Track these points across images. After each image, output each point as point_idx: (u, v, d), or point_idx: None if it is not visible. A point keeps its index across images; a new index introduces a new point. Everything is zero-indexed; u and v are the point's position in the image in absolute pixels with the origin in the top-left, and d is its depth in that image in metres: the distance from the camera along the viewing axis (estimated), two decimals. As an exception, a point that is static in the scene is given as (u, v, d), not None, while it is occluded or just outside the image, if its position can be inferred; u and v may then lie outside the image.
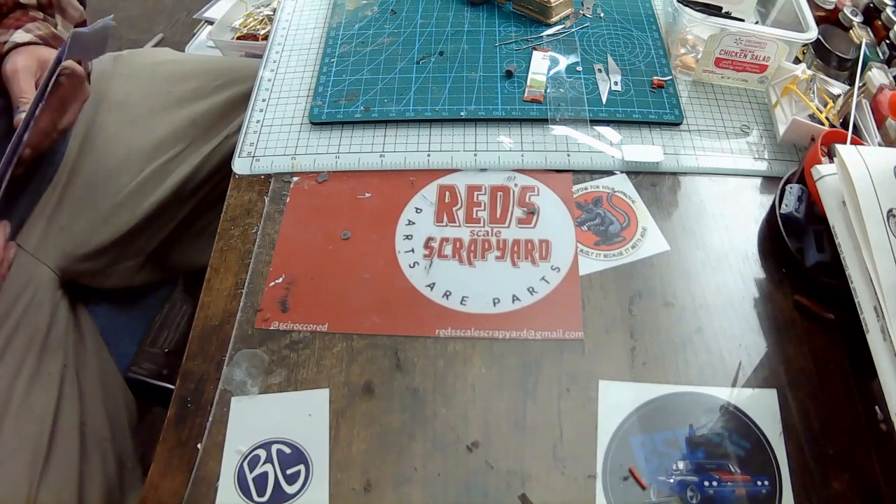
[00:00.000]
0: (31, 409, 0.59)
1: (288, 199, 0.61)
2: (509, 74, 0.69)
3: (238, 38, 1.21)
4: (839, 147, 0.48)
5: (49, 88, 0.61)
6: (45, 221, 0.66)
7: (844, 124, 0.59)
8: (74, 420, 0.62)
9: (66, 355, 0.64)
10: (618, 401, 0.48)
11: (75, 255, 0.67)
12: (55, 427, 0.60)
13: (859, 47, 0.66)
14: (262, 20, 1.23)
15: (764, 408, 0.47)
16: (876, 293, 0.44)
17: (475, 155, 0.63)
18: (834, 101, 0.62)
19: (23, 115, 0.61)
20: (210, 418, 0.48)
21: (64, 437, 0.61)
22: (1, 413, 0.58)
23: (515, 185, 0.61)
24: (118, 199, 0.70)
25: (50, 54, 0.67)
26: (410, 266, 0.55)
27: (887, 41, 0.67)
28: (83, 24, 0.76)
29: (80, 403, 0.64)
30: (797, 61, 0.69)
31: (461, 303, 0.53)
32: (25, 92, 0.65)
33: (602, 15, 0.76)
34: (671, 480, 0.44)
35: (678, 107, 0.66)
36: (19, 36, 0.66)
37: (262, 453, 0.46)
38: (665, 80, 0.68)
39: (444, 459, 0.46)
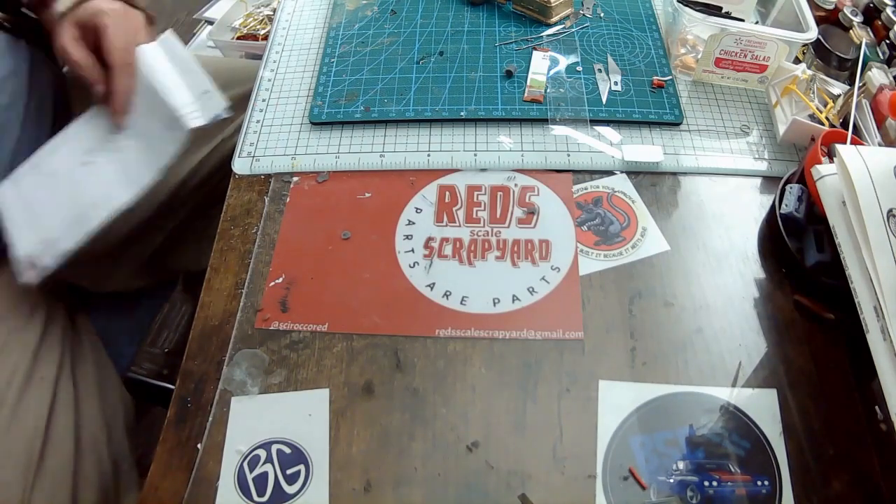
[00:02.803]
0: (25, 413, 0.59)
1: (288, 199, 0.61)
2: (509, 74, 0.69)
3: (238, 38, 1.21)
4: (839, 147, 0.48)
5: None
6: None
7: (844, 124, 0.59)
8: (69, 423, 0.62)
9: (62, 358, 0.64)
10: (618, 401, 0.48)
11: (72, 260, 0.67)
12: (49, 430, 0.60)
13: (859, 47, 0.66)
14: (262, 20, 1.24)
15: (764, 408, 0.47)
16: (876, 293, 0.44)
17: (475, 155, 0.63)
18: (834, 101, 0.62)
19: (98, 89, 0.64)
20: (210, 418, 0.48)
21: (58, 441, 0.61)
22: None
23: (515, 185, 0.61)
24: None
25: (93, 4, 0.67)
26: (410, 266, 0.55)
27: (887, 41, 0.67)
28: None
29: (76, 406, 0.64)
30: (797, 61, 0.69)
31: (461, 303, 0.53)
32: (79, 62, 0.66)
33: (602, 15, 0.76)
34: (671, 480, 0.44)
35: (678, 107, 0.66)
36: (60, 5, 0.66)
37: (262, 453, 0.46)
38: (665, 80, 0.68)
39: (444, 459, 0.46)
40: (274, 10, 1.21)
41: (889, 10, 0.68)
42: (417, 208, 0.59)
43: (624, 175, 0.61)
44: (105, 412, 0.68)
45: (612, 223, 0.58)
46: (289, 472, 0.45)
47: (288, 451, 0.46)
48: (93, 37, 0.66)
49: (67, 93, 0.74)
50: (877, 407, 0.47)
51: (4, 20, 0.70)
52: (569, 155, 0.62)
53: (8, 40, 0.69)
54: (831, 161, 0.52)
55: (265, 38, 1.18)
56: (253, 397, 0.49)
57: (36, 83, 0.71)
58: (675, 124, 0.65)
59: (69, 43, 0.67)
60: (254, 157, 0.64)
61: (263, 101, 0.70)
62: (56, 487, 0.60)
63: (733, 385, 0.49)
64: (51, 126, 0.70)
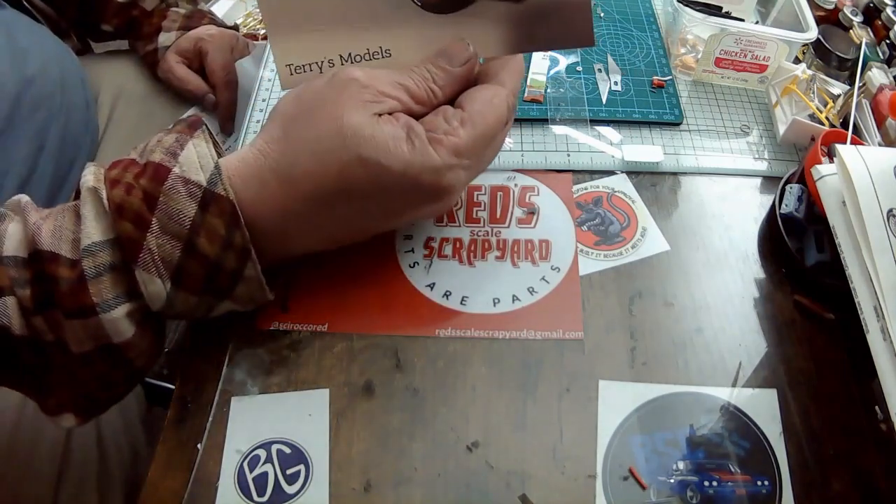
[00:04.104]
0: None
1: (288, 199, 0.61)
2: (509, 74, 0.68)
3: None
4: (839, 147, 0.48)
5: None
6: None
7: (844, 124, 0.59)
8: None
9: None
10: (618, 401, 0.48)
11: None
12: None
13: (859, 47, 0.66)
14: (261, 20, 1.24)
15: (764, 408, 0.47)
16: (876, 293, 0.44)
17: (475, 155, 0.63)
18: (834, 101, 0.62)
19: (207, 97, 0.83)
20: (210, 418, 0.48)
21: (81, 429, 0.62)
22: (19, 412, 0.59)
23: (515, 185, 0.61)
24: None
25: (193, 33, 0.85)
26: (410, 266, 0.55)
27: (887, 41, 0.67)
28: None
29: None
30: (797, 61, 0.69)
31: (461, 303, 0.53)
32: (185, 78, 0.82)
33: (602, 15, 0.76)
34: (671, 480, 0.44)
35: (678, 107, 0.66)
36: (164, 39, 0.78)
37: (262, 453, 0.46)
38: (665, 80, 0.68)
39: (444, 459, 0.46)
40: (274, 10, 1.21)
41: (889, 10, 0.68)
42: (417, 208, 0.59)
43: (624, 175, 0.61)
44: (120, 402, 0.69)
45: (612, 223, 0.58)
46: (289, 472, 0.45)
47: (288, 451, 0.46)
48: (197, 60, 0.78)
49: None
50: (877, 407, 0.47)
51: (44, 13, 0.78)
52: (569, 155, 0.62)
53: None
54: (831, 161, 0.52)
55: (265, 37, 1.18)
56: (253, 397, 0.49)
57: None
58: (675, 124, 0.65)
59: (175, 66, 0.84)
60: (254, 157, 0.64)
61: (263, 100, 0.69)
62: (83, 473, 0.61)
63: (733, 385, 0.49)
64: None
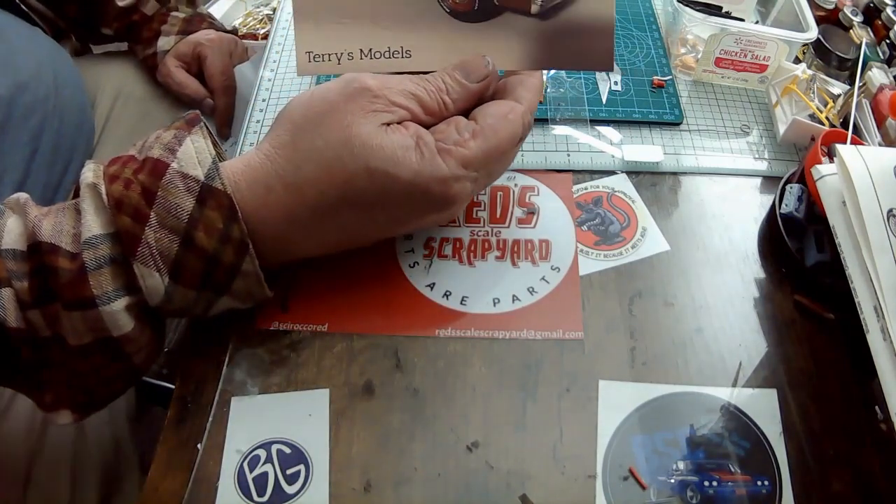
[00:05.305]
0: None
1: (288, 199, 0.61)
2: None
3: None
4: (839, 147, 0.48)
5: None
6: None
7: (844, 124, 0.59)
8: None
9: None
10: (618, 401, 0.48)
11: None
12: None
13: (859, 47, 0.66)
14: (261, 20, 1.24)
15: (764, 408, 0.47)
16: (876, 293, 0.44)
17: (475, 155, 0.63)
18: (834, 101, 0.62)
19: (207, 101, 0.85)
20: (210, 418, 0.48)
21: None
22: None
23: (515, 184, 0.61)
24: None
25: (192, 37, 0.85)
26: (410, 266, 0.55)
27: (887, 41, 0.67)
28: None
29: None
30: (797, 61, 0.69)
31: (461, 303, 0.53)
32: (183, 82, 0.82)
33: (602, 15, 0.76)
34: (671, 480, 0.44)
35: (678, 107, 0.66)
36: (163, 43, 0.78)
37: (262, 453, 0.46)
38: (665, 80, 0.68)
39: (444, 459, 0.46)
40: (274, 10, 1.21)
41: (889, 10, 0.68)
42: (417, 208, 0.59)
43: (624, 175, 0.61)
44: None
45: (612, 223, 0.58)
46: (289, 472, 0.45)
47: (288, 451, 0.46)
48: (196, 64, 0.79)
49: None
50: (877, 407, 0.47)
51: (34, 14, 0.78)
52: (569, 155, 0.62)
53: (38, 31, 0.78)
54: (831, 161, 0.52)
55: (265, 37, 1.18)
56: (253, 397, 0.49)
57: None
58: (675, 124, 0.65)
59: (174, 70, 0.82)
60: (254, 156, 0.64)
61: (263, 101, 0.69)
62: (56, 464, 0.60)
63: (733, 385, 0.49)
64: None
